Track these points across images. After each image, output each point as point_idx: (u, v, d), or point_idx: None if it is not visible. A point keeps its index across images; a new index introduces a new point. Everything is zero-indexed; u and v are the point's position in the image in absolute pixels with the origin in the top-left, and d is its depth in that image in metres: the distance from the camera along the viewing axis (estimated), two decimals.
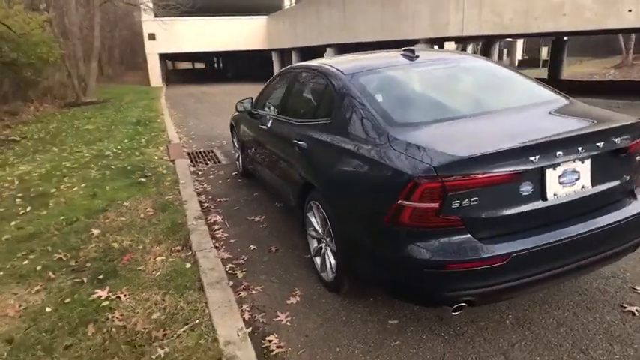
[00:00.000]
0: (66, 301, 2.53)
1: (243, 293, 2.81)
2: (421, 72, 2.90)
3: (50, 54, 10.84)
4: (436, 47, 14.81)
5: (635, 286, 2.63)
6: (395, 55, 3.12)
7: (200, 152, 6.92)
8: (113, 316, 2.35)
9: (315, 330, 2.42)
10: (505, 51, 36.00)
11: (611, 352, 2.14)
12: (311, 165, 2.80)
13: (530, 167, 1.92)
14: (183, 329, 2.23)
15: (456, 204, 1.87)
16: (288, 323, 2.49)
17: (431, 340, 2.29)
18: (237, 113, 4.79)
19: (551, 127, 2.36)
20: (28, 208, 4.18)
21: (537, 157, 1.91)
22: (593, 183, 2.12)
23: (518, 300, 2.58)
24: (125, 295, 2.56)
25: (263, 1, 26.56)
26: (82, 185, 4.89)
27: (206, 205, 4.42)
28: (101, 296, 2.55)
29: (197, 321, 2.30)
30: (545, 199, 2.01)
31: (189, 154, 6.75)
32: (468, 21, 11.84)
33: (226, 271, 3.06)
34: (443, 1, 12.23)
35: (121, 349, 2.09)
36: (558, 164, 2.00)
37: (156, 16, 21.37)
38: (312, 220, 2.86)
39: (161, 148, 6.86)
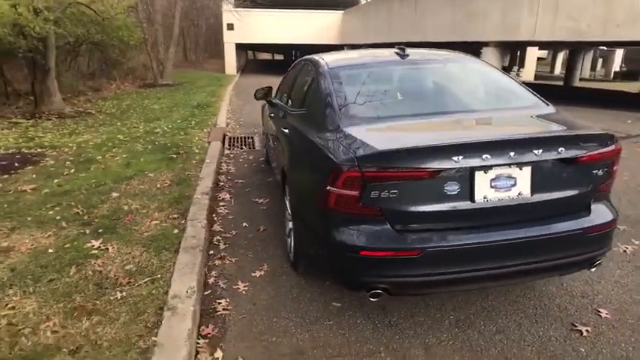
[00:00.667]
0: (66, 246, 2.98)
1: (218, 262, 3.09)
2: (400, 70, 2.97)
3: (130, 37, 11.99)
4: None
5: (600, 310, 2.52)
6: (389, 54, 3.19)
7: (240, 137, 7.36)
8: (95, 262, 2.75)
9: (264, 301, 2.64)
10: (600, 60, 32.76)
11: None
12: (284, 152, 3.01)
13: (451, 167, 1.96)
14: (145, 281, 2.55)
15: (374, 194, 1.98)
16: (243, 292, 2.73)
17: (363, 325, 2.41)
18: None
19: (496, 131, 2.34)
20: (72, 170, 4.83)
21: (460, 158, 1.94)
22: (534, 191, 2.09)
23: (467, 303, 2.59)
24: (113, 248, 2.96)
25: None
26: (124, 156, 5.50)
27: (222, 183, 4.79)
28: (93, 245, 2.97)
29: (159, 276, 2.61)
30: (473, 200, 2.03)
31: (229, 138, 7.22)
32: (541, 25, 11.16)
33: (212, 242, 3.38)
34: (516, 2, 11.64)
35: (88, 288, 2.46)
36: (490, 167, 2.01)
37: (235, 6, 22.56)
38: (287, 203, 3.06)
39: (205, 130, 7.40)
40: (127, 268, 2.71)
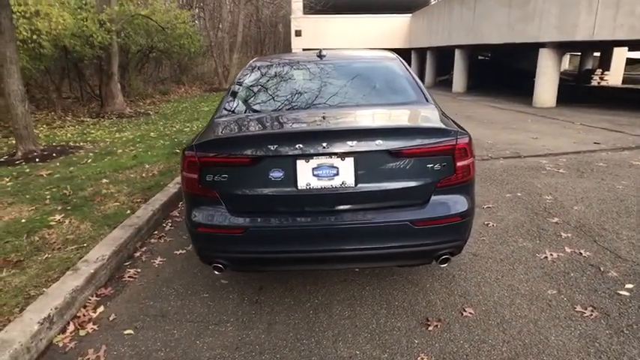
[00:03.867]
0: (36, 217, 3.63)
1: (154, 240, 3.55)
2: (302, 69, 3.17)
3: (191, 45, 13.17)
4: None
5: (467, 309, 2.52)
6: (311, 54, 3.41)
7: None
8: (47, 231, 3.35)
9: (167, 274, 3.02)
10: None
11: (358, 346, 2.23)
12: None
13: (269, 154, 2.16)
14: (72, 247, 3.07)
15: (209, 177, 2.25)
16: (156, 265, 3.14)
17: (232, 300, 2.68)
18: None
19: (331, 124, 2.45)
20: (89, 160, 5.66)
21: (276, 147, 2.15)
22: (359, 181, 2.20)
23: (340, 290, 2.73)
24: (68, 221, 3.55)
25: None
26: (139, 150, 6.27)
27: None
28: (55, 218, 3.58)
29: (85, 245, 3.12)
30: (296, 187, 2.21)
31: None
32: (601, 23, 10.22)
33: (162, 224, 3.86)
34: (574, 0, 10.77)
35: (26, 249, 3.04)
36: (310, 157, 2.17)
37: (304, 13, 23.44)
38: None
39: None
40: (68, 237, 3.26)
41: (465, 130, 2.35)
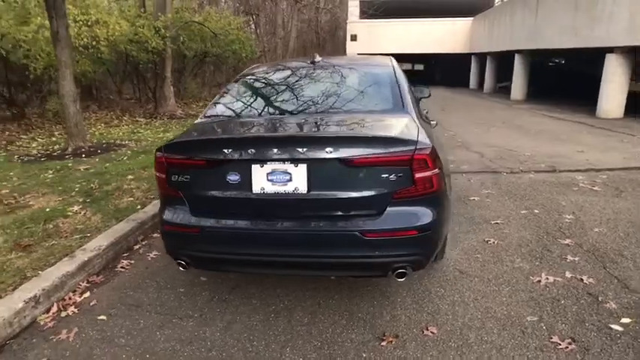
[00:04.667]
0: (58, 207, 4.00)
1: (156, 235, 3.76)
2: (290, 76, 3.21)
3: (243, 50, 13.70)
4: None
5: (430, 328, 2.43)
6: (305, 61, 3.45)
7: None
8: (62, 220, 3.68)
9: (155, 268, 3.20)
10: None
11: (304, 354, 2.24)
12: None
13: (226, 158, 2.23)
14: (77, 236, 3.36)
15: (174, 178, 2.38)
16: (149, 259, 3.34)
17: (204, 296, 2.79)
18: None
19: (290, 129, 2.50)
20: (125, 158, 6.11)
21: (231, 151, 2.22)
22: (312, 188, 2.21)
23: (309, 297, 2.74)
24: (83, 212, 3.87)
25: (475, 2, 25.63)
26: None
27: None
28: (73, 210, 3.92)
29: (89, 235, 3.39)
30: (251, 191, 2.26)
31: None
32: None
33: None
34: None
35: (39, 235, 3.37)
36: (265, 162, 2.22)
37: (360, 17, 23.49)
38: None
39: None
40: (77, 227, 3.57)
41: (428, 141, 2.27)
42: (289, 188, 2.23)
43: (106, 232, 3.45)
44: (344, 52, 40.18)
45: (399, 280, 2.34)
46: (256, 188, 2.26)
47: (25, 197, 4.33)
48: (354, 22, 23.98)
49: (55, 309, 2.64)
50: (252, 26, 17.37)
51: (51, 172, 5.34)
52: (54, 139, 7.91)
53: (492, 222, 3.93)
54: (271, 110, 2.86)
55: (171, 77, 11.16)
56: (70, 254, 3.05)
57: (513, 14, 17.25)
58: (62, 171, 5.39)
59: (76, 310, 2.65)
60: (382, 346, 2.29)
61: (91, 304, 2.73)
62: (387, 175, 2.17)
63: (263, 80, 3.25)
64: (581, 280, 2.92)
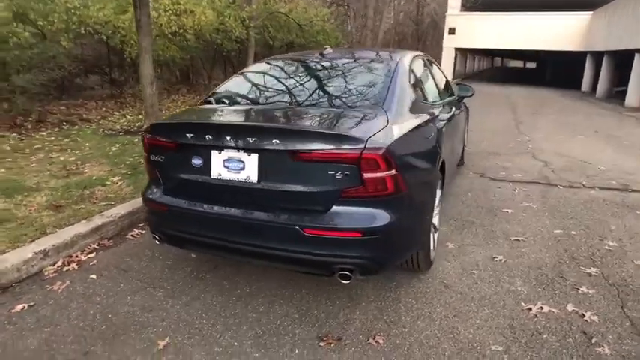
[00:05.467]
0: (103, 177, 4.52)
1: None
2: (292, 67, 3.20)
3: (327, 41, 13.85)
4: None
5: (377, 337, 2.33)
6: (315, 53, 3.44)
7: None
8: (99, 189, 4.16)
9: None
10: None
11: (241, 339, 2.31)
12: None
13: (190, 143, 2.35)
14: (104, 204, 3.78)
15: (153, 157, 2.57)
16: None
17: (182, 273, 2.98)
18: None
19: (249, 119, 2.58)
20: None
21: (193, 136, 2.33)
22: (262, 179, 2.24)
23: (276, 286, 2.78)
24: (120, 184, 4.33)
25: None
26: None
27: None
28: (113, 180, 4.40)
29: (113, 203, 3.79)
30: (210, 176, 2.36)
31: None
32: None
33: None
34: None
35: (73, 199, 3.85)
36: (222, 148, 2.29)
37: (461, 10, 22.24)
38: None
39: None
40: (109, 195, 4.01)
41: (386, 141, 2.14)
42: (242, 176, 2.29)
43: (129, 202, 3.83)
44: (441, 46, 38.56)
45: (344, 282, 2.27)
46: (214, 174, 2.35)
47: (84, 165, 4.97)
48: (454, 15, 22.77)
49: (60, 263, 3.02)
50: (343, 18, 17.42)
51: (118, 145, 6.02)
52: (140, 116, 8.84)
53: (512, 238, 3.56)
54: (252, 100, 2.93)
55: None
56: (88, 218, 3.46)
57: (636, 9, 14.97)
58: (127, 145, 6.05)
59: (76, 267, 3.01)
60: (320, 346, 2.26)
61: (91, 263, 3.07)
62: (333, 173, 2.12)
63: (265, 70, 3.31)
64: (583, 315, 2.54)
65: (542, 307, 2.61)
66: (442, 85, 4.06)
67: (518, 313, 2.57)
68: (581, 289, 2.82)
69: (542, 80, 28.15)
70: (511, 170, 5.65)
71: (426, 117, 2.87)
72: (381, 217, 2.17)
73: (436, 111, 3.21)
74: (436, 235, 3.20)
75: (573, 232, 3.70)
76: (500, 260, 3.19)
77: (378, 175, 2.10)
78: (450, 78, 20.60)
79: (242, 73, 3.46)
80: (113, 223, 3.51)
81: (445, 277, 2.95)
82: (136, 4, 6.82)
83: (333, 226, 2.14)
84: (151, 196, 2.62)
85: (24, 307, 2.54)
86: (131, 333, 2.34)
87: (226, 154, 2.30)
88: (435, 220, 3.18)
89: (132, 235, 3.53)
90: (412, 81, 2.98)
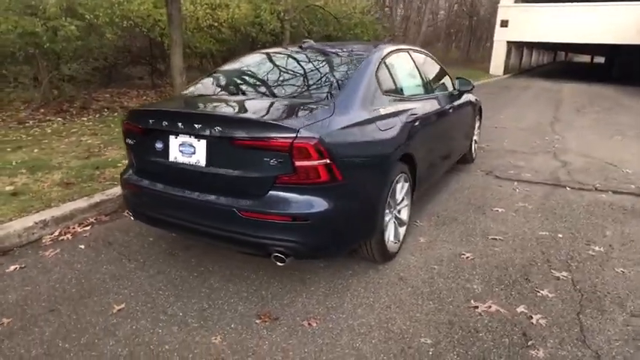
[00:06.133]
0: (118, 159, 4.91)
1: None
2: (267, 60, 3.34)
3: (365, 34, 13.81)
4: None
5: (314, 321, 2.44)
6: (295, 46, 3.56)
7: None
8: (109, 170, 4.54)
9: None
10: None
11: (187, 310, 2.51)
12: None
13: (152, 127, 2.58)
14: (107, 183, 4.14)
15: (127, 140, 2.83)
16: None
17: (158, 252, 3.23)
18: None
19: (202, 108, 2.80)
20: None
21: (152, 121, 2.55)
22: (209, 163, 2.42)
23: (252, 271, 2.96)
24: None
25: None
26: None
27: None
28: (124, 162, 4.77)
29: (116, 183, 4.14)
30: (168, 159, 2.57)
31: None
32: None
33: None
34: None
35: (85, 178, 4.24)
36: (177, 134, 2.50)
37: (515, 2, 21.16)
38: None
39: None
40: (116, 176, 4.37)
41: (320, 131, 2.24)
42: (193, 160, 2.48)
43: None
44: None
45: (279, 264, 2.40)
46: (172, 157, 2.57)
47: (107, 148, 5.42)
48: (507, 7, 21.71)
49: (57, 233, 3.39)
50: (386, 10, 17.19)
51: None
52: None
53: (490, 237, 3.50)
54: (225, 89, 3.12)
55: None
56: (90, 195, 3.82)
57: None
58: None
59: (70, 237, 3.36)
60: (255, 323, 2.41)
61: (84, 235, 3.42)
62: (268, 160, 2.25)
63: (249, 62, 3.48)
64: (530, 318, 2.50)
65: (490, 307, 2.60)
66: (431, 80, 4.02)
67: (463, 310, 2.57)
68: (541, 292, 2.76)
69: (607, 76, 26.18)
70: (522, 169, 5.45)
71: (390, 110, 2.91)
72: (315, 203, 2.27)
73: (410, 105, 3.22)
74: (403, 229, 3.23)
75: (560, 235, 3.56)
76: (467, 258, 3.16)
77: (310, 163, 2.21)
78: (500, 72, 19.95)
79: (227, 64, 3.64)
80: (111, 201, 3.85)
81: (403, 270, 2.99)
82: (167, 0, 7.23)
83: (266, 210, 2.27)
84: (125, 177, 2.89)
85: (16, 267, 2.91)
86: (94, 297, 2.62)
87: (181, 139, 2.50)
88: (404, 214, 3.21)
89: (127, 214, 3.85)
90: (381, 75, 3.02)
